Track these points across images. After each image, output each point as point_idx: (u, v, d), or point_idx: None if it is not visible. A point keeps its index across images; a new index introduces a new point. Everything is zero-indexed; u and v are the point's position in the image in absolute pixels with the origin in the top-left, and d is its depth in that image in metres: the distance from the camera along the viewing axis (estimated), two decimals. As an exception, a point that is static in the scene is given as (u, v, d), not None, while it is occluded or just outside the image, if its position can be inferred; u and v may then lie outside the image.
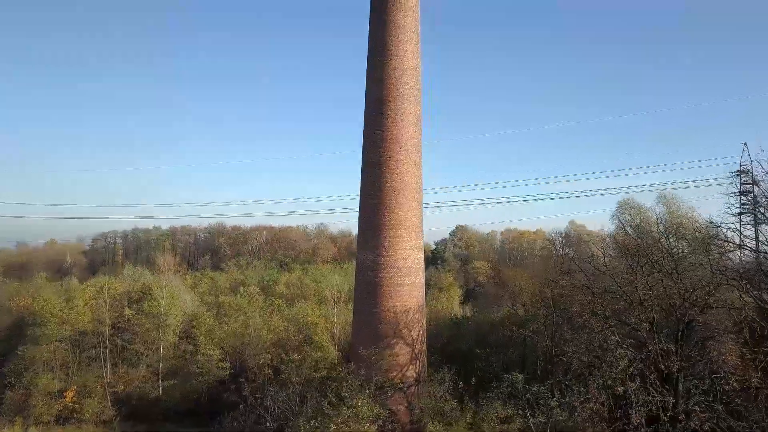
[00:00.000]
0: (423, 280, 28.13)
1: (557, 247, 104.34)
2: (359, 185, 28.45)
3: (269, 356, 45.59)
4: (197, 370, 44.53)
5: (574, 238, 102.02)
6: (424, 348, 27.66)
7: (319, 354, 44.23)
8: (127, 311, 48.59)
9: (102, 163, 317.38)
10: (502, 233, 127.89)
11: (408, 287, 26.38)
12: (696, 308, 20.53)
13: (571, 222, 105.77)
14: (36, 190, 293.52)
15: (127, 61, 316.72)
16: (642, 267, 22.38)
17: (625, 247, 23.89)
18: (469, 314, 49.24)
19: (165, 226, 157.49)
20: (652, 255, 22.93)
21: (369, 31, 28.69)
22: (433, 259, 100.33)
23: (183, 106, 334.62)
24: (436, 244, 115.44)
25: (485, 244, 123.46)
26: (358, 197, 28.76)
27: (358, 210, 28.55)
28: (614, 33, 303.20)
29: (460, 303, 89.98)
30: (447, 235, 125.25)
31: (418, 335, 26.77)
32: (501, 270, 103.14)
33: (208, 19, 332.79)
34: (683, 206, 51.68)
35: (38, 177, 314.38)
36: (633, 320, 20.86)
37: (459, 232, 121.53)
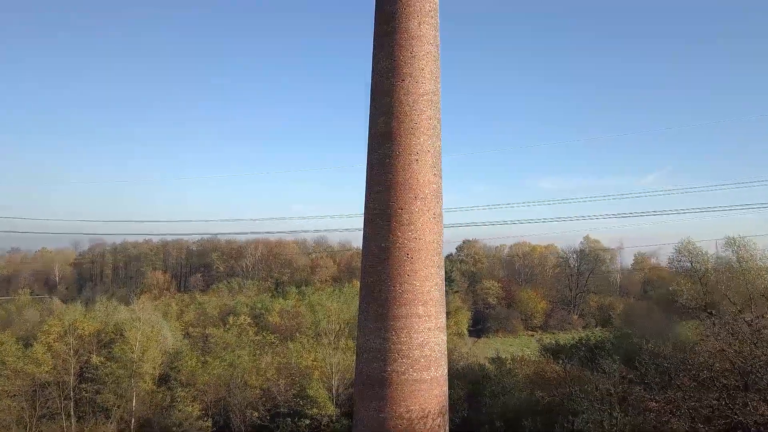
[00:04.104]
0: (446, 372, 21.26)
1: (571, 265, 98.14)
2: (362, 245, 21.61)
3: (256, 414, 40.41)
4: (174, 430, 39.61)
5: (589, 255, 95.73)
6: (448, 461, 21.14)
7: (315, 410, 39.53)
8: (94, 358, 42.98)
9: (95, 172, 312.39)
10: (511, 247, 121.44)
11: (427, 384, 19.29)
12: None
13: (586, 238, 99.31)
14: (31, 197, 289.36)
15: (124, 65, 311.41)
16: (756, 381, 16.30)
17: (730, 359, 17.30)
18: (486, 362, 42.97)
19: (156, 239, 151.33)
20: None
21: (373, 46, 21.68)
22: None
23: (181, 117, 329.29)
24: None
25: (494, 258, 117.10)
26: (360, 262, 21.99)
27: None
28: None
29: (469, 327, 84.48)
30: (453, 250, 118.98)
31: (440, 446, 20.25)
32: (512, 289, 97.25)
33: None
34: (757, 252, 42.36)
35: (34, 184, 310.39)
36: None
37: (466, 247, 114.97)
